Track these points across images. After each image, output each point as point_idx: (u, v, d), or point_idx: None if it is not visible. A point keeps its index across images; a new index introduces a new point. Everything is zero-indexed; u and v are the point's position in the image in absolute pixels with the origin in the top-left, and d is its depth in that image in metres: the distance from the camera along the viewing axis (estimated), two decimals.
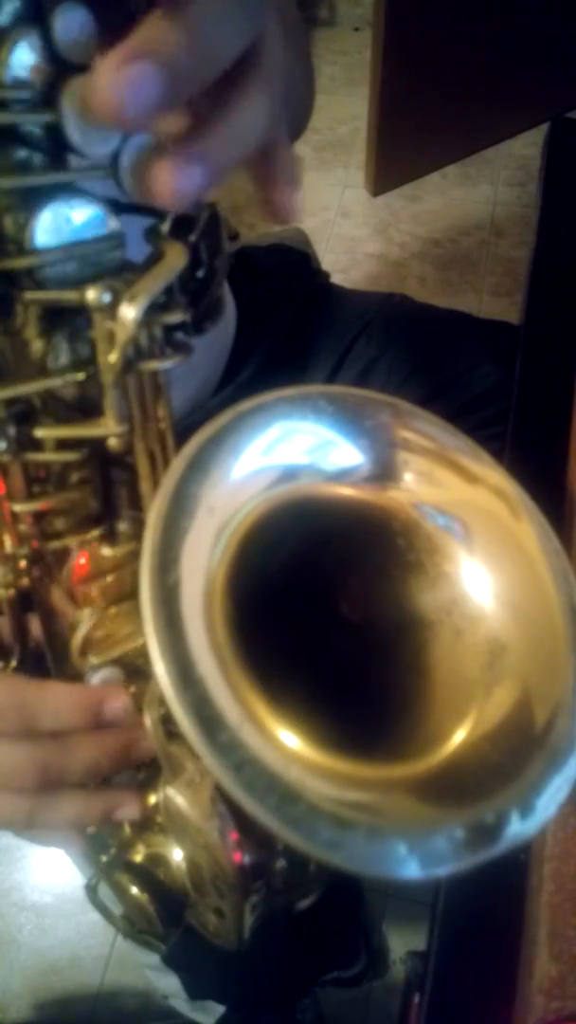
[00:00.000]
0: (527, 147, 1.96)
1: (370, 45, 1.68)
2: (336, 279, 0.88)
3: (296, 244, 0.92)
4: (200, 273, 0.34)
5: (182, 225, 0.32)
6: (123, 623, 0.37)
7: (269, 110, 0.28)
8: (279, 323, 0.76)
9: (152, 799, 0.40)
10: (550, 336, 0.67)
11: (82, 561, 0.35)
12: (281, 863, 0.38)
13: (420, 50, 1.68)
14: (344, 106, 2.02)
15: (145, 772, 0.39)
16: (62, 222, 0.28)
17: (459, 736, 0.31)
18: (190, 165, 0.26)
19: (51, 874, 1.21)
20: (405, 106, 1.75)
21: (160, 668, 0.25)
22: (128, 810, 0.38)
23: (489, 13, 1.69)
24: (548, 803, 0.28)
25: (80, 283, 0.29)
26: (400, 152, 1.85)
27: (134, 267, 0.30)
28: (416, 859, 0.26)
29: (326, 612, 0.37)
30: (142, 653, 0.37)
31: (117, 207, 0.30)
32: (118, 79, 0.23)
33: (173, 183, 0.26)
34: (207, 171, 0.26)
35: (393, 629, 0.35)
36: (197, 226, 0.32)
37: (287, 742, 0.28)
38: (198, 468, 0.29)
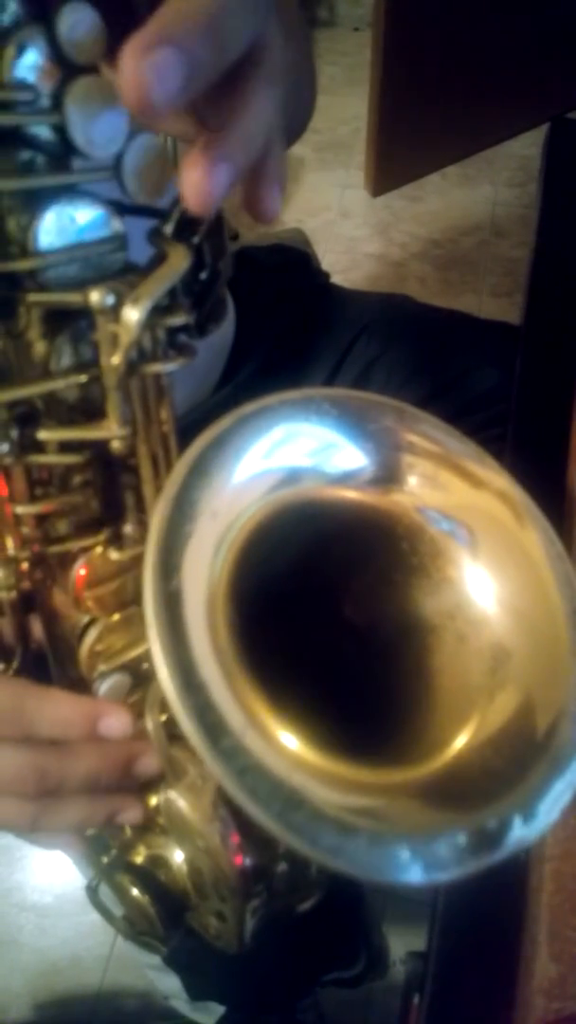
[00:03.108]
0: (527, 147, 1.96)
1: (370, 45, 1.67)
2: (336, 279, 0.88)
3: (296, 244, 0.92)
4: (203, 275, 0.34)
5: (185, 227, 0.32)
6: (129, 628, 0.37)
7: (276, 104, 0.28)
8: (279, 323, 0.76)
9: (153, 800, 0.40)
10: (550, 337, 0.67)
11: (82, 572, 0.35)
12: (282, 866, 0.38)
13: (420, 50, 1.67)
14: (344, 106, 2.01)
15: None
16: (65, 224, 0.28)
17: (462, 741, 0.31)
18: (218, 166, 0.26)
19: (51, 875, 1.21)
20: (405, 106, 1.75)
21: (163, 673, 0.25)
22: (130, 814, 0.38)
23: (489, 13, 1.68)
24: (550, 808, 0.28)
25: (82, 285, 0.29)
26: (400, 152, 1.85)
27: (137, 269, 0.30)
28: (418, 864, 0.26)
29: (329, 616, 0.37)
30: (149, 658, 0.37)
31: (120, 208, 0.30)
32: (142, 67, 0.23)
33: (205, 185, 0.26)
34: (233, 171, 0.26)
35: (396, 634, 0.35)
36: (200, 228, 0.32)
37: (290, 747, 0.28)
38: (200, 473, 0.29)
